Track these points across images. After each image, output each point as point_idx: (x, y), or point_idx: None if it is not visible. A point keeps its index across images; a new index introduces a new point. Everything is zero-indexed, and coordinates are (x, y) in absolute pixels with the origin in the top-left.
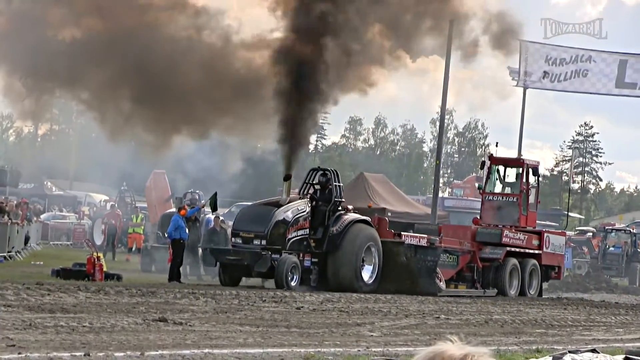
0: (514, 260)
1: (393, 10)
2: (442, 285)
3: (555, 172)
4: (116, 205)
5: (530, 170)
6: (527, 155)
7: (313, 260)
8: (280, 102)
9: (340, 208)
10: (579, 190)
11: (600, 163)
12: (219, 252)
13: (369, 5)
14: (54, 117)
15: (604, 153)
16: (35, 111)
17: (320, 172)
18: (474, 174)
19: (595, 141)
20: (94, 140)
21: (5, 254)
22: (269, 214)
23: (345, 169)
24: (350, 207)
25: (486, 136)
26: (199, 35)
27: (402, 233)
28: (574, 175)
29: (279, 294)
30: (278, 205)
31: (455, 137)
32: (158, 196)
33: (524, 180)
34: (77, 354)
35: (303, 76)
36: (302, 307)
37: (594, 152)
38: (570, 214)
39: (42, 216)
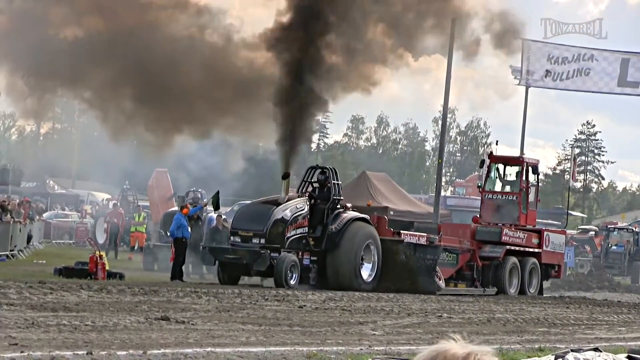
0: (513, 259)
1: (395, 9)
2: (442, 283)
3: (557, 171)
4: (118, 203)
5: (530, 168)
6: (529, 154)
7: (312, 258)
8: (278, 100)
9: (339, 206)
10: (581, 189)
11: (603, 162)
12: (218, 251)
13: (371, 4)
14: (56, 116)
15: (606, 152)
16: (38, 110)
17: (319, 170)
18: (476, 173)
19: (597, 140)
20: (96, 139)
21: (7, 253)
22: (268, 212)
23: (348, 167)
24: (349, 205)
25: (488, 135)
26: (200, 35)
27: (402, 231)
28: (576, 174)
29: (281, 293)
30: (277, 203)
31: (458, 136)
32: (160, 195)
33: (524, 178)
34: (80, 352)
35: (301, 74)
36: (304, 305)
37: (596, 151)
38: (572, 212)
39: (45, 215)
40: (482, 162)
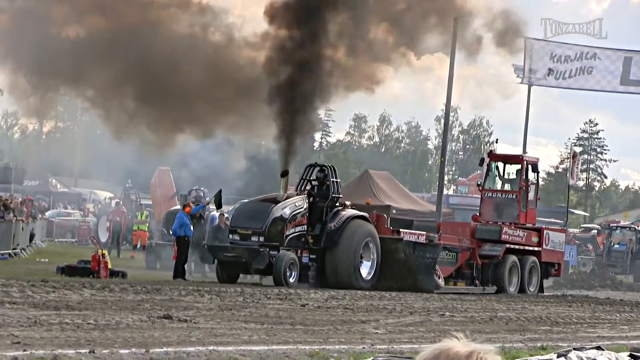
0: (513, 257)
1: (398, 8)
2: (441, 282)
3: (560, 170)
4: (121, 202)
5: (529, 166)
6: (532, 153)
7: (311, 256)
8: (277, 98)
9: (338, 204)
10: (583, 188)
11: (605, 160)
12: (216, 249)
13: (374, 3)
14: (59, 115)
15: (608, 150)
16: (40, 108)
17: (318, 167)
18: (478, 172)
19: (600, 138)
20: (98, 138)
21: (10, 251)
22: (267, 210)
23: (350, 166)
24: (347, 203)
25: (491, 133)
26: (202, 34)
27: (401, 230)
28: (576, 173)
29: (284, 291)
30: (275, 201)
31: (460, 135)
32: (163, 193)
33: (524, 177)
34: (82, 350)
35: (300, 72)
36: (306, 304)
37: (598, 150)
38: (575, 211)
39: (47, 213)
40: (482, 160)
